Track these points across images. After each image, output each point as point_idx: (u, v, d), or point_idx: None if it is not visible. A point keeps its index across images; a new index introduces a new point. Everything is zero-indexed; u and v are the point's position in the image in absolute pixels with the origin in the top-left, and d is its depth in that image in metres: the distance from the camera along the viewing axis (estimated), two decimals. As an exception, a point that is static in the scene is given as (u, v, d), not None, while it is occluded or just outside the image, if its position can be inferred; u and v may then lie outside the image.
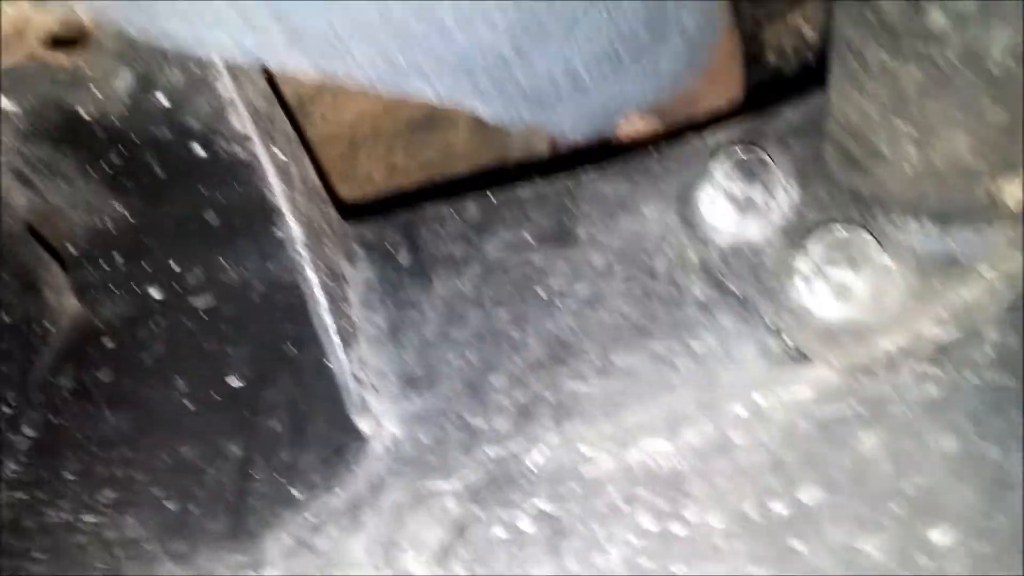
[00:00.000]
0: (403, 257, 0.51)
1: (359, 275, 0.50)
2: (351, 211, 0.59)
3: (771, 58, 1.04)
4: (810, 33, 0.92)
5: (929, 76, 0.35)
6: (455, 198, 0.54)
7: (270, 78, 0.50)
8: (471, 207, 0.54)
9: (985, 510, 0.35)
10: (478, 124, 0.85)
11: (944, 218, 0.41)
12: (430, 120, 0.84)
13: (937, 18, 0.33)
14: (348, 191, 0.86)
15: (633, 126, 0.78)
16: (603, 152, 0.88)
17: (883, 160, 0.40)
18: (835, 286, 0.40)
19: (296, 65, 0.39)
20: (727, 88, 0.71)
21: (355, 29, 0.38)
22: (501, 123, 0.49)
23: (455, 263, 0.51)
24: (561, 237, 0.51)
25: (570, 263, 0.49)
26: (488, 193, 0.55)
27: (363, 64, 0.40)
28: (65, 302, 0.52)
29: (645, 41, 0.50)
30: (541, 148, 0.96)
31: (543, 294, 0.48)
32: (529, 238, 0.51)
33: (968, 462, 0.37)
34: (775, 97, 0.56)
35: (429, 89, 0.43)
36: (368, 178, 0.89)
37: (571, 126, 0.53)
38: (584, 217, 0.51)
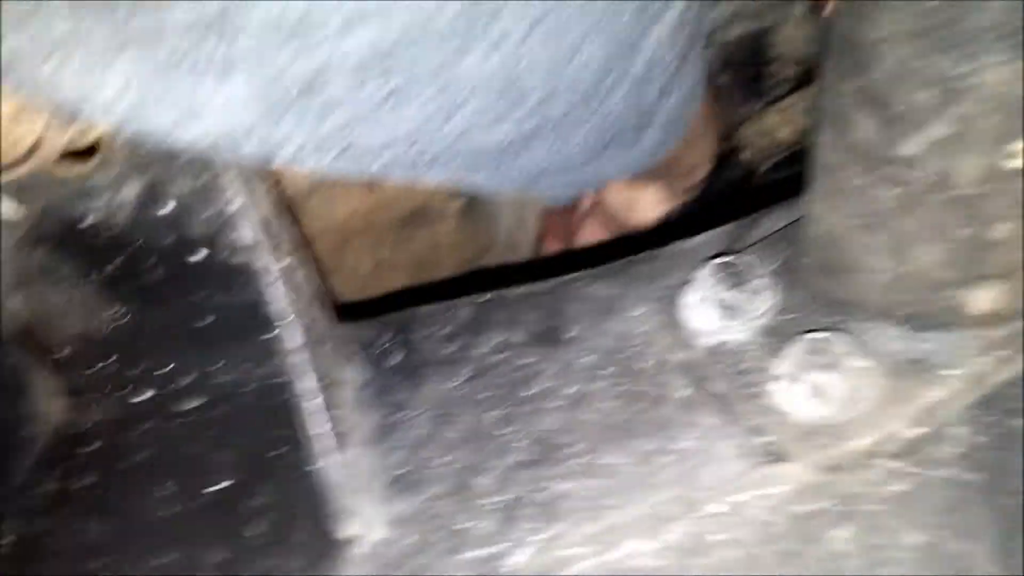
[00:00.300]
0: (395, 359, 0.52)
1: (352, 377, 0.51)
2: (343, 310, 0.60)
3: (746, 156, 1.09)
4: (785, 134, 0.96)
5: (901, 197, 0.38)
6: (448, 300, 0.55)
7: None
8: (463, 308, 0.55)
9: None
10: (465, 220, 0.88)
11: (916, 324, 0.43)
12: (419, 215, 0.86)
13: (911, 147, 0.36)
14: (335, 285, 0.88)
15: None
16: (587, 252, 0.91)
17: (858, 270, 0.42)
18: (812, 388, 0.42)
19: (318, 166, 0.41)
20: (703, 149, 0.75)
21: (398, 116, 0.40)
22: (493, 193, 0.51)
23: (447, 364, 0.52)
24: (550, 338, 0.52)
25: (559, 363, 0.51)
26: (485, 295, 0.57)
27: (389, 152, 0.42)
28: (54, 405, 0.52)
29: (631, 131, 0.53)
30: (525, 243, 0.99)
31: (531, 394, 0.49)
32: (519, 339, 0.53)
33: (934, 556, 0.38)
34: (748, 197, 0.59)
35: (439, 175, 0.46)
36: (354, 272, 0.91)
37: (559, 195, 0.55)
38: (573, 318, 0.53)
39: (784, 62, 0.99)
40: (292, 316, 0.42)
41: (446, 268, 0.97)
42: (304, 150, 0.40)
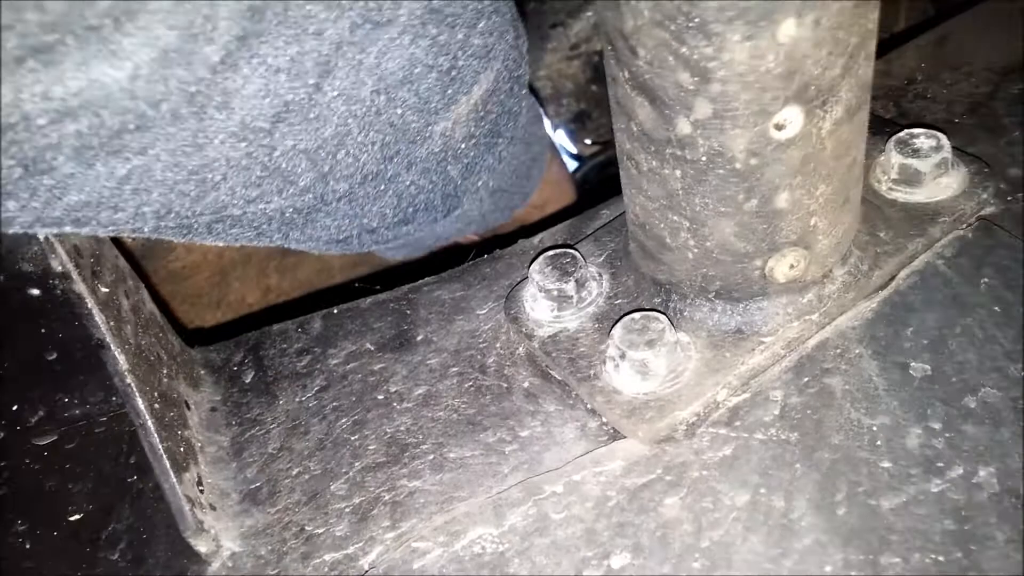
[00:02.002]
0: (248, 377, 0.53)
1: (203, 399, 0.51)
2: (211, 335, 0.60)
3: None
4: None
5: (686, 176, 0.40)
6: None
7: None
8: (315, 322, 0.56)
9: (773, 557, 0.38)
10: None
11: (728, 296, 0.45)
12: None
13: (683, 127, 0.38)
14: (222, 316, 0.87)
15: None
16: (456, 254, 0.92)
17: (668, 249, 0.44)
18: (636, 365, 0.43)
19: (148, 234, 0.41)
20: (567, 193, 0.77)
21: (140, 199, 0.41)
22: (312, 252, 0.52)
23: (299, 378, 0.52)
24: (401, 343, 0.53)
25: (408, 366, 0.52)
26: (336, 307, 0.57)
27: (138, 224, 0.43)
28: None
29: (439, 205, 0.53)
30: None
31: (382, 398, 0.50)
32: (370, 346, 0.53)
33: (758, 513, 0.40)
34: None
35: (220, 241, 0.46)
36: (243, 302, 0.90)
37: (388, 253, 0.56)
38: (422, 322, 0.54)
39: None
40: (115, 342, 0.42)
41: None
42: (37, 225, 0.40)
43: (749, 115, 0.37)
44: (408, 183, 0.49)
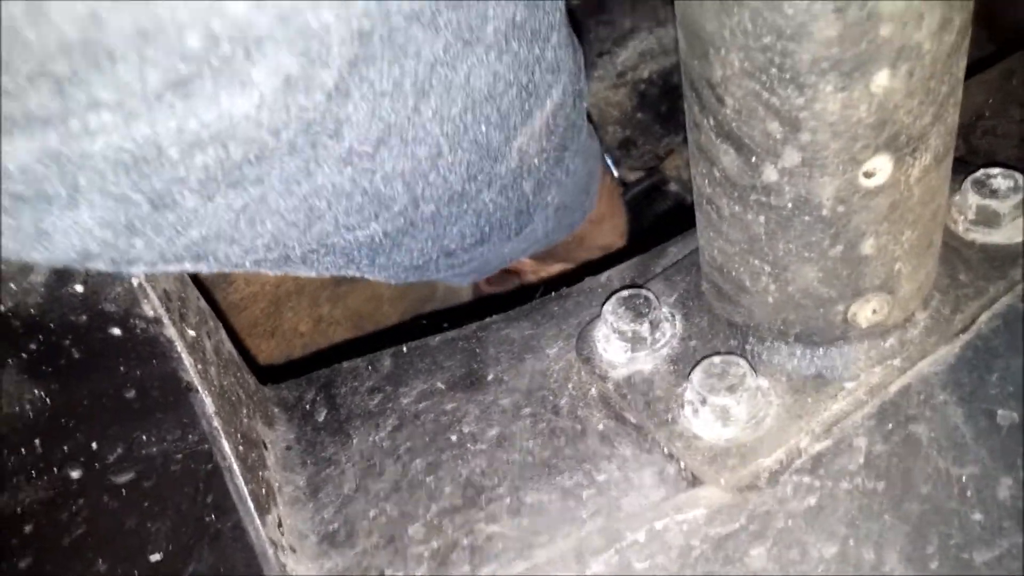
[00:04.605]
0: (321, 415, 0.53)
1: (278, 437, 0.51)
2: (274, 372, 0.61)
3: (673, 187, 1.12)
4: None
5: (771, 222, 0.40)
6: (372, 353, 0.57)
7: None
8: (386, 360, 0.56)
9: (868, 614, 0.38)
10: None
11: (808, 340, 0.45)
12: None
13: (769, 175, 0.38)
14: (275, 346, 0.88)
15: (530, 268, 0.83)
16: (518, 294, 0.93)
17: (748, 293, 0.44)
18: (717, 411, 0.43)
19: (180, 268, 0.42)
20: (612, 226, 0.77)
21: (255, 230, 0.42)
22: (387, 281, 0.53)
23: (372, 416, 0.53)
24: (471, 382, 0.53)
25: (480, 406, 0.52)
26: (405, 345, 0.58)
27: (250, 258, 0.43)
28: (-17, 491, 0.52)
29: (512, 223, 0.54)
30: (465, 288, 1.01)
31: (456, 439, 0.50)
32: (441, 385, 0.54)
33: (848, 565, 0.39)
34: (677, 226, 0.62)
35: (312, 272, 0.47)
36: (295, 331, 0.91)
37: (455, 279, 0.57)
38: (492, 361, 0.54)
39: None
40: (202, 384, 0.43)
41: (388, 320, 0.98)
42: (160, 262, 0.41)
43: (838, 163, 0.37)
44: (488, 201, 0.50)
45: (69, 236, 0.37)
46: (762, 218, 0.40)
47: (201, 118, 0.34)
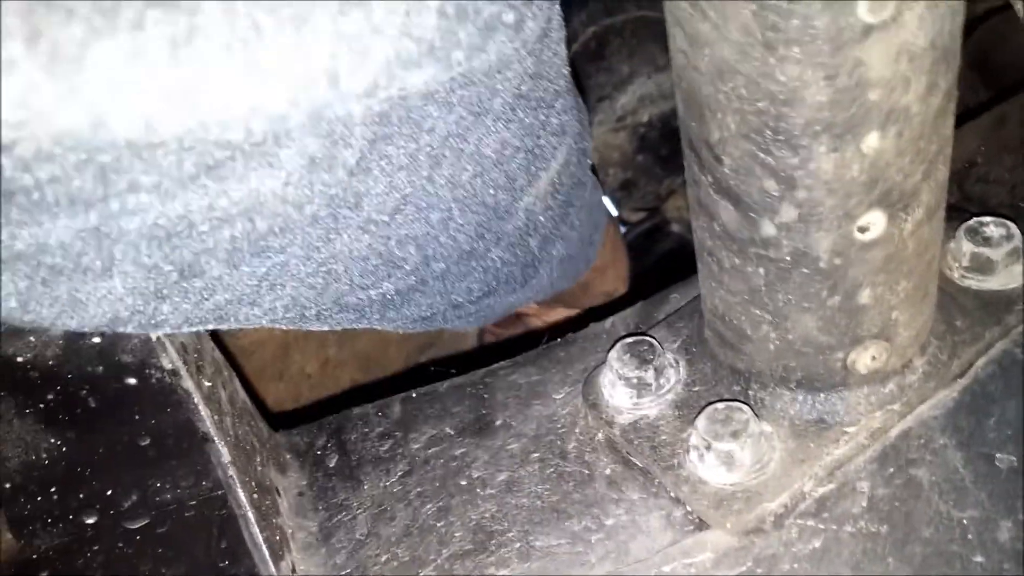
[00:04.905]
0: (332, 461, 0.54)
1: (291, 484, 0.52)
2: (283, 418, 0.62)
3: (674, 228, 1.14)
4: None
5: (770, 273, 0.41)
6: (380, 399, 0.58)
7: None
8: (395, 406, 0.57)
9: (873, 658, 0.38)
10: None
11: (809, 386, 0.46)
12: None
13: (767, 229, 0.39)
14: (283, 389, 0.90)
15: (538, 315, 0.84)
16: (523, 338, 0.94)
17: (749, 341, 0.45)
18: (722, 456, 0.44)
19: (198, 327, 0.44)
20: (615, 274, 0.79)
21: (275, 293, 0.43)
22: (395, 331, 0.54)
23: (382, 462, 0.54)
24: (480, 427, 0.54)
25: (489, 451, 0.53)
26: (414, 391, 0.59)
27: (267, 318, 0.45)
28: (1, 539, 0.53)
29: (518, 276, 0.56)
30: (471, 332, 1.02)
31: (465, 484, 0.51)
32: (450, 431, 0.55)
33: (853, 612, 0.40)
34: (679, 266, 0.63)
35: (325, 326, 0.48)
36: (302, 373, 0.93)
37: (461, 326, 0.58)
38: (500, 406, 0.56)
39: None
40: (218, 434, 0.44)
41: (394, 362, 0.99)
42: (185, 325, 0.43)
43: (834, 219, 0.38)
44: (495, 257, 0.52)
45: (101, 304, 0.39)
46: (762, 270, 0.41)
47: (231, 196, 0.36)
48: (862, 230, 0.39)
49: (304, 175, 0.37)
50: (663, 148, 1.05)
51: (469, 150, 0.43)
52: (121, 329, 0.41)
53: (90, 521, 0.53)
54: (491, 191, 0.46)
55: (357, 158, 0.38)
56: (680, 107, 0.39)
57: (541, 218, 0.52)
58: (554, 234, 0.55)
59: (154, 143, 0.32)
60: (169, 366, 0.43)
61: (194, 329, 0.43)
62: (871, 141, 0.35)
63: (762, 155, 0.36)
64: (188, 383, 0.43)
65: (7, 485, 0.52)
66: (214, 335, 0.53)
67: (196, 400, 0.43)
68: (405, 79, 0.36)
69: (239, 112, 0.33)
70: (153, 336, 0.45)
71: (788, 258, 0.40)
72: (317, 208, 0.38)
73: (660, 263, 1.08)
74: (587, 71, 1.06)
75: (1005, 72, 0.87)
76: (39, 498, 0.53)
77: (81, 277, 0.37)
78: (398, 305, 0.50)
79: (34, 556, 0.54)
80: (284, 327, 0.46)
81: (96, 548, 0.53)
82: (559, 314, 0.86)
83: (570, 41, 0.99)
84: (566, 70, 0.47)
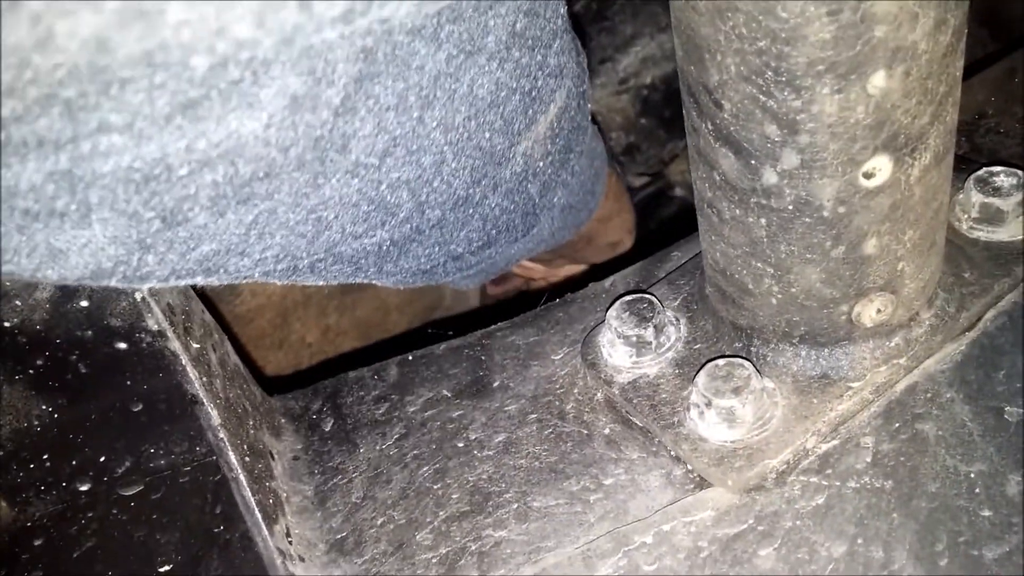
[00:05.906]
0: (328, 425, 0.53)
1: (285, 448, 0.52)
2: (283, 386, 0.61)
3: (678, 192, 1.12)
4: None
5: (772, 223, 0.40)
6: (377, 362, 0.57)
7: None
8: (391, 369, 0.56)
9: (877, 614, 0.37)
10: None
11: (813, 341, 0.45)
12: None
13: (769, 177, 0.38)
14: (284, 357, 0.89)
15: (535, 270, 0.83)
16: (524, 299, 0.93)
17: (751, 295, 0.44)
18: (723, 413, 0.43)
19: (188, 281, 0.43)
20: (620, 223, 0.77)
21: (264, 243, 0.42)
22: (395, 286, 0.53)
23: (378, 425, 0.53)
24: (477, 389, 0.54)
25: (487, 413, 0.52)
26: (410, 354, 0.58)
27: (259, 269, 0.44)
28: (-7, 506, 0.52)
29: (519, 225, 0.54)
30: (472, 293, 1.01)
31: (462, 446, 0.50)
32: (447, 393, 0.54)
33: (857, 564, 0.39)
34: (684, 231, 0.62)
35: (320, 280, 0.47)
36: (303, 342, 0.92)
37: (463, 282, 0.57)
38: (498, 368, 0.55)
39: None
40: (207, 396, 0.43)
41: (395, 329, 0.98)
42: (172, 277, 0.42)
43: (837, 164, 0.37)
44: (494, 205, 0.51)
45: (82, 254, 0.38)
46: (763, 221, 0.40)
47: (210, 138, 0.34)
48: (867, 176, 0.37)
49: (287, 116, 0.35)
50: (666, 110, 1.03)
51: (462, 91, 0.41)
52: (106, 282, 0.40)
53: (84, 488, 0.52)
54: (486, 134, 0.45)
55: (342, 97, 0.36)
56: (678, 52, 0.38)
57: (540, 163, 0.51)
58: (554, 180, 0.53)
59: (115, 70, 0.31)
60: (155, 327, 0.42)
61: (182, 283, 0.42)
62: (877, 81, 0.34)
63: (763, 98, 0.35)
64: (175, 344, 0.42)
65: (0, 452, 0.51)
66: (207, 300, 0.52)
67: (184, 362, 0.42)
68: (383, 6, 0.34)
69: (201, 33, 0.31)
70: (138, 296, 0.44)
71: (790, 207, 0.39)
72: (302, 151, 0.37)
73: (664, 227, 1.06)
74: (589, 32, 1.04)
75: (1013, 25, 0.85)
76: (31, 465, 0.53)
77: (58, 223, 0.36)
78: (394, 256, 0.48)
79: (28, 524, 0.53)
80: (278, 281, 0.45)
81: (90, 515, 0.52)
82: (564, 271, 0.84)
83: (571, 1, 0.97)
84: (563, 9, 0.46)
